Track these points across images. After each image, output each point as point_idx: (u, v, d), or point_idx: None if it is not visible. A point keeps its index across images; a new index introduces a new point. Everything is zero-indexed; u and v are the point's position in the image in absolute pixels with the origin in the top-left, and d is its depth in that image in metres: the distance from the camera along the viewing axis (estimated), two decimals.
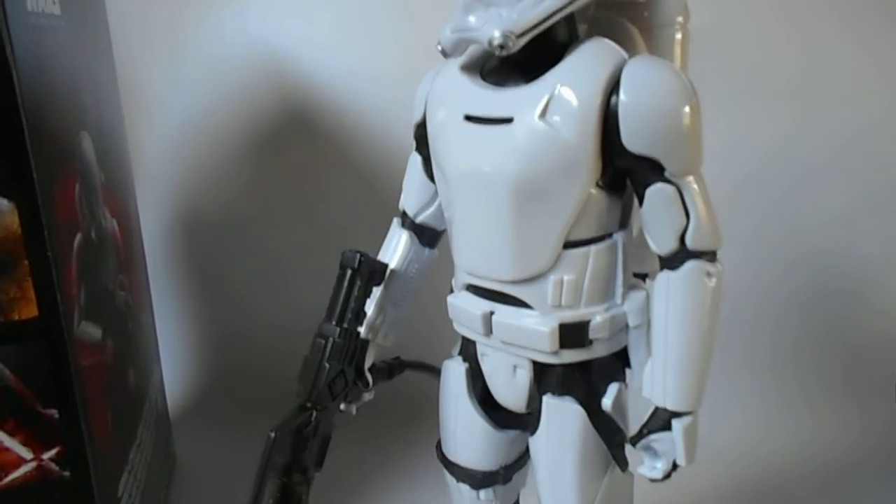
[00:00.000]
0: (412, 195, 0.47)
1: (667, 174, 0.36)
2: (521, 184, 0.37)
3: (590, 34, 0.39)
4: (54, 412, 0.50)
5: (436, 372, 0.50)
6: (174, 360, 1.00)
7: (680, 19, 0.42)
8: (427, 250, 0.48)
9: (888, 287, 0.94)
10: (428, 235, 0.48)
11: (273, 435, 0.39)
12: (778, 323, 0.96)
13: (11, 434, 0.50)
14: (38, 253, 0.47)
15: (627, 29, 0.41)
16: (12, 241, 0.46)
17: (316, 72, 0.97)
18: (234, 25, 0.96)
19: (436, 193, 0.46)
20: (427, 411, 0.53)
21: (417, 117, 0.44)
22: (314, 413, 0.41)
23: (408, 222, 0.48)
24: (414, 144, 0.46)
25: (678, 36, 0.42)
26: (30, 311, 0.48)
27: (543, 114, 0.36)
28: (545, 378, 0.42)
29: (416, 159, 0.47)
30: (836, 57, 0.89)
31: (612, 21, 0.41)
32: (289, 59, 0.97)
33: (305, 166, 0.98)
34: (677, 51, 0.42)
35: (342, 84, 0.97)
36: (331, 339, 0.42)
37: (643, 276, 0.44)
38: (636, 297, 0.41)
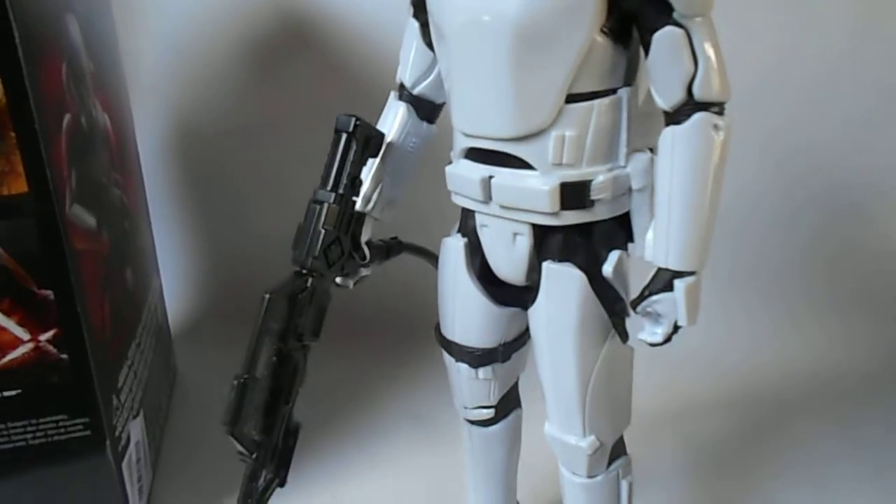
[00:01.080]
0: (409, 65, 0.46)
1: (675, 15, 0.34)
2: (521, 29, 0.35)
3: None
4: (49, 293, 0.50)
5: (434, 258, 0.49)
6: (174, 274, 0.99)
7: None
8: (425, 125, 0.47)
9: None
10: (426, 108, 0.46)
11: (267, 297, 0.38)
12: (768, 233, 0.95)
13: (7, 314, 0.50)
14: (25, 125, 0.46)
15: None
16: None
17: None
18: None
19: (434, 62, 0.45)
20: (425, 299, 0.52)
21: None
22: (310, 279, 0.41)
23: (405, 94, 0.46)
24: (411, 11, 0.44)
25: None
26: (19, 185, 0.47)
27: None
28: (545, 244, 0.41)
29: (413, 26, 0.45)
30: None
31: None
32: None
33: (305, 76, 0.96)
34: None
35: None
36: (325, 205, 0.41)
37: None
38: (640, 158, 0.39)
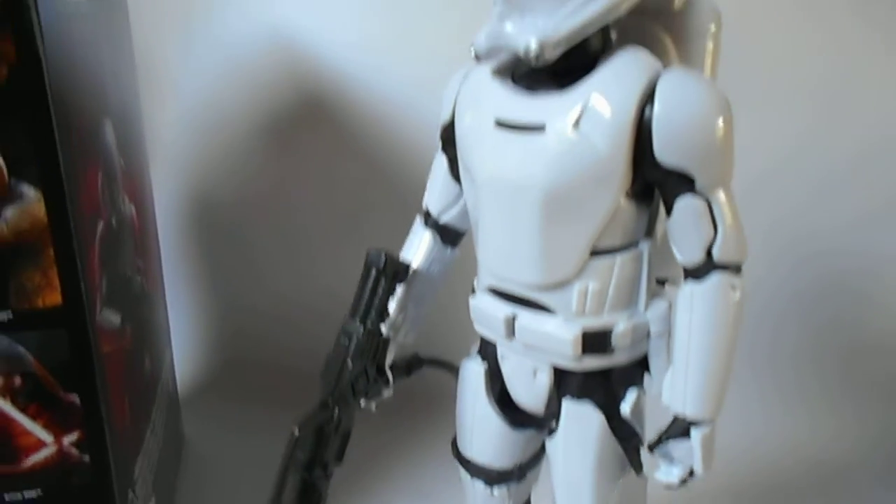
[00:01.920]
0: (436, 195, 0.47)
1: (697, 187, 0.36)
2: (551, 193, 0.37)
3: (622, 41, 0.39)
4: (75, 397, 0.51)
5: (453, 369, 0.50)
6: (184, 339, 1.00)
7: (712, 27, 0.42)
8: (449, 249, 0.49)
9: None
10: (451, 235, 0.48)
11: (297, 431, 0.40)
12: (782, 321, 0.97)
13: (33, 418, 0.51)
14: (63, 241, 0.47)
15: (660, 37, 0.41)
16: (39, 230, 0.47)
17: (331, 57, 0.96)
18: (249, 10, 0.95)
19: (460, 194, 0.46)
20: (443, 407, 0.54)
21: (445, 118, 0.44)
22: (336, 410, 0.42)
23: (431, 221, 0.48)
24: (440, 144, 0.46)
25: (710, 45, 0.41)
26: (54, 298, 0.48)
27: (577, 123, 0.36)
28: (565, 382, 0.42)
29: (441, 160, 0.47)
30: (860, 60, 0.89)
31: (645, 28, 0.41)
32: (304, 45, 0.96)
33: (318, 151, 0.98)
34: (708, 60, 0.42)
35: (357, 70, 0.96)
36: (355, 338, 0.42)
37: (663, 281, 0.45)
38: (659, 305, 0.41)
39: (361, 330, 0.42)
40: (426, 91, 0.94)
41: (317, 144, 0.98)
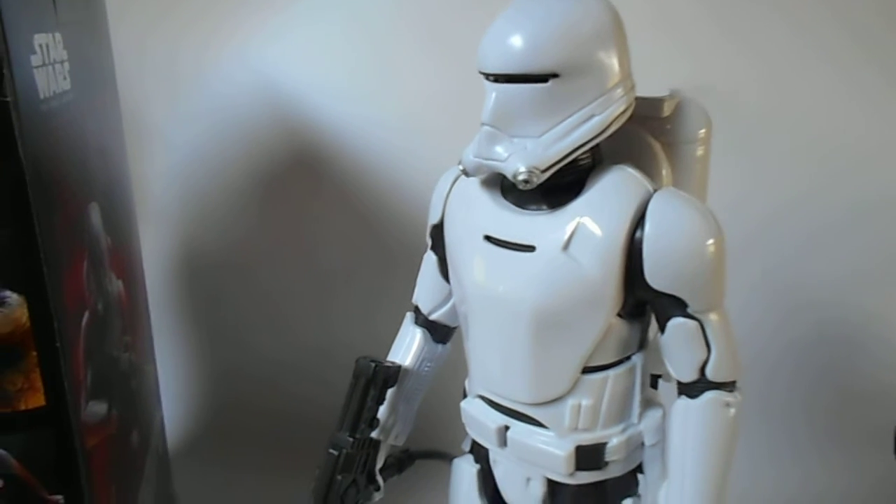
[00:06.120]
0: (426, 293, 0.47)
1: (689, 310, 0.36)
2: (541, 313, 0.37)
3: (611, 147, 0.39)
4: (60, 498, 0.50)
5: (446, 457, 0.49)
6: (174, 398, 0.99)
7: (703, 132, 0.41)
8: (440, 347, 0.48)
9: (890, 345, 0.94)
10: (441, 332, 0.48)
11: None
12: (773, 372, 0.96)
13: None
14: (46, 344, 0.46)
15: (649, 142, 0.41)
16: (21, 334, 0.46)
17: (320, 111, 0.96)
18: (237, 61, 0.95)
19: (450, 293, 0.46)
20: (435, 497, 0.53)
21: (434, 219, 0.44)
22: None
23: (421, 319, 0.48)
24: (429, 243, 0.46)
25: (700, 152, 0.41)
26: (37, 400, 0.47)
27: (567, 246, 0.36)
28: (559, 493, 0.42)
29: (430, 258, 0.46)
30: (855, 120, 0.89)
31: (635, 135, 0.41)
32: (293, 96, 0.96)
33: (306, 207, 0.98)
34: (698, 166, 0.41)
35: (348, 121, 0.96)
36: (343, 451, 0.41)
37: (658, 376, 0.44)
38: (653, 415, 0.40)
39: (351, 442, 0.42)
40: (418, 143, 0.94)
41: (304, 200, 0.97)
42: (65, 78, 0.52)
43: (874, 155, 0.90)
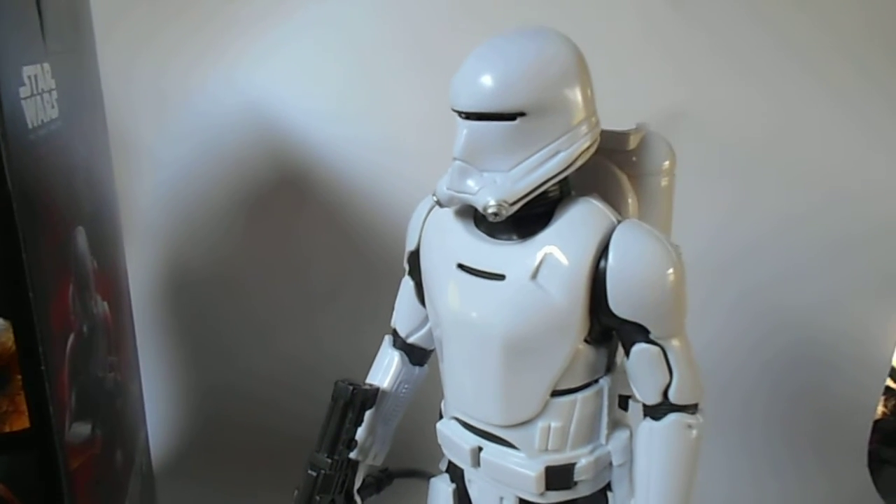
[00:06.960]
0: (404, 317, 0.48)
1: (652, 336, 0.38)
2: (510, 339, 0.38)
3: (579, 178, 0.41)
4: None
5: (424, 476, 0.50)
6: (159, 416, 1.00)
7: (667, 164, 0.43)
8: (417, 369, 0.49)
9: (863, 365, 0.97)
10: (418, 355, 0.49)
11: None
12: (752, 392, 0.98)
13: None
14: (32, 368, 0.47)
15: (615, 174, 0.43)
16: (6, 358, 0.47)
17: (306, 132, 0.97)
18: (225, 81, 0.96)
19: (427, 317, 0.47)
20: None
21: (411, 246, 0.45)
22: None
23: (399, 342, 0.49)
24: (406, 269, 0.47)
25: (664, 182, 0.43)
26: (21, 423, 0.48)
27: (535, 275, 0.37)
28: None
29: (408, 283, 0.48)
30: (837, 152, 0.91)
31: (602, 167, 0.43)
32: (278, 119, 0.97)
33: (293, 226, 0.99)
34: (663, 197, 0.43)
35: (335, 141, 0.97)
36: (322, 472, 0.42)
37: (627, 398, 0.46)
38: (620, 436, 0.42)
39: (329, 463, 0.43)
40: (403, 164, 0.96)
41: (290, 217, 0.99)
42: (53, 106, 0.54)
43: (852, 187, 0.92)
